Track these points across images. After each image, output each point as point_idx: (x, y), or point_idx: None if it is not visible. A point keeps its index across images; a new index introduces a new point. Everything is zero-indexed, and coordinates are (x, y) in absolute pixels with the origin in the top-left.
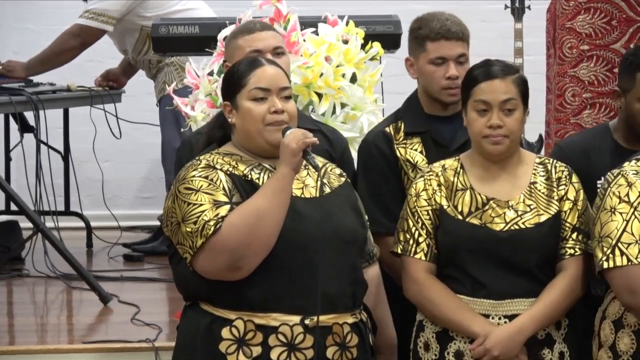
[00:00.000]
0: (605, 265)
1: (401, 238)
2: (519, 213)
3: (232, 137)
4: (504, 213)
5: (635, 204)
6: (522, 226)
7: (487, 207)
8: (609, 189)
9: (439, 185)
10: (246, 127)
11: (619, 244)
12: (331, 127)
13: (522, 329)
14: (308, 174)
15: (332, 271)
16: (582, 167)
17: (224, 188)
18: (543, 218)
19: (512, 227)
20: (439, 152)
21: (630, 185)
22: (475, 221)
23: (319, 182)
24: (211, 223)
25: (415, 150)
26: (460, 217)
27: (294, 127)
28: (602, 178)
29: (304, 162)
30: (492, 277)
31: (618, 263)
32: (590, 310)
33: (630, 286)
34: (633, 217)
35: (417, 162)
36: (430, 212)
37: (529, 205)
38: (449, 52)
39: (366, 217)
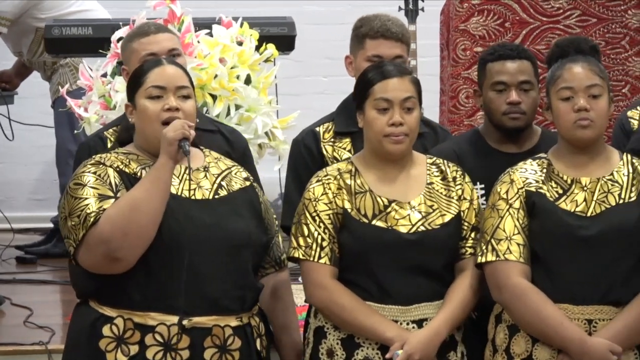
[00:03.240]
0: (479, 259)
1: (301, 243)
2: (423, 214)
3: (134, 137)
4: (408, 215)
5: (511, 201)
6: (429, 227)
7: (389, 209)
8: (495, 185)
9: (339, 188)
10: (142, 126)
11: (492, 240)
12: (231, 128)
13: (439, 332)
14: (206, 175)
15: (216, 274)
16: None
17: (110, 183)
18: (447, 218)
19: (418, 229)
20: None
21: (511, 182)
22: (381, 224)
23: (215, 185)
24: (92, 215)
25: (344, 149)
26: (365, 220)
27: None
28: (477, 182)
29: (204, 162)
30: (399, 281)
31: (489, 258)
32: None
33: (497, 282)
34: (507, 214)
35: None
36: (331, 215)
37: (430, 206)
38: (386, 51)
39: (276, 222)
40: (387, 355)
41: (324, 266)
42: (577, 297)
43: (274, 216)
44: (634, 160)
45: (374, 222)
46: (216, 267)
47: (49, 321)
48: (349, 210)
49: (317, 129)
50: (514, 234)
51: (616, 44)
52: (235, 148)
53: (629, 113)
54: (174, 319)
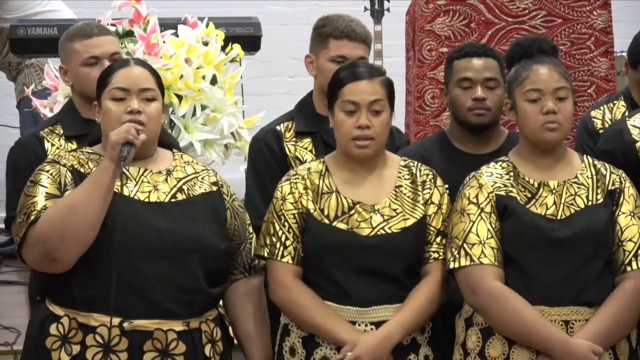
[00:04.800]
0: (452, 265)
1: (267, 241)
2: (385, 217)
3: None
4: (370, 217)
5: (482, 205)
6: (389, 231)
7: (352, 211)
8: (462, 190)
9: (305, 188)
10: (105, 127)
11: (465, 245)
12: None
13: (390, 336)
14: (166, 179)
15: (160, 277)
16: None
17: (59, 182)
18: (409, 222)
19: (378, 232)
20: (329, 153)
21: (480, 187)
22: (342, 226)
23: (174, 189)
24: (34, 213)
25: (306, 149)
26: (326, 221)
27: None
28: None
29: (168, 165)
30: (357, 283)
31: (462, 263)
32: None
33: (472, 286)
34: (479, 218)
35: (306, 160)
36: (296, 215)
37: (394, 210)
38: (350, 52)
39: (249, 228)
40: (338, 357)
41: (287, 265)
42: (551, 298)
43: (248, 222)
44: (595, 162)
45: (334, 223)
46: (160, 271)
47: (15, 322)
48: (312, 211)
49: (278, 127)
50: (487, 238)
51: (581, 45)
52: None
53: (593, 113)
54: (115, 320)
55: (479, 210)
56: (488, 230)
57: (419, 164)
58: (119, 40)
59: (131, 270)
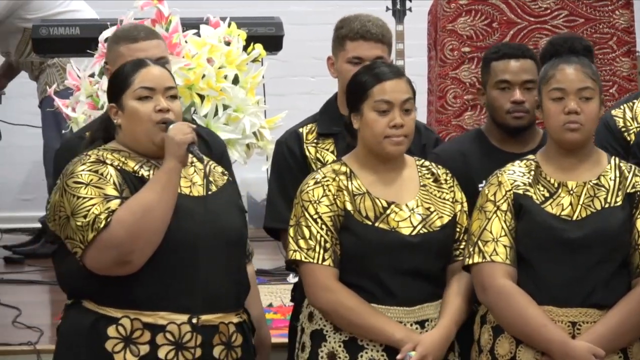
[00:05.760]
0: (467, 261)
1: (303, 245)
2: (423, 216)
3: (116, 137)
4: (409, 217)
5: (498, 203)
6: (429, 229)
7: (389, 211)
8: (483, 188)
9: (339, 190)
10: (132, 127)
11: (479, 242)
12: (209, 130)
13: (449, 333)
14: (195, 171)
15: (218, 271)
16: (462, 171)
17: (114, 182)
18: (445, 220)
19: (420, 231)
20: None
21: (499, 185)
22: (384, 226)
23: (205, 180)
24: (102, 217)
25: (327, 150)
26: (368, 222)
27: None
28: (484, 181)
29: (190, 158)
30: (401, 283)
31: (475, 260)
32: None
33: (482, 283)
34: (495, 216)
35: (327, 162)
36: (333, 217)
37: (428, 208)
38: (366, 52)
39: (246, 214)
40: (399, 356)
41: (328, 268)
42: (560, 299)
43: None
44: (621, 164)
45: (377, 224)
46: (217, 265)
47: (38, 321)
48: (352, 212)
49: (300, 130)
50: (500, 236)
51: (604, 44)
52: (214, 151)
53: (613, 112)
54: (184, 317)
55: (495, 208)
56: (502, 228)
57: (434, 163)
58: (165, 44)
59: (191, 267)
